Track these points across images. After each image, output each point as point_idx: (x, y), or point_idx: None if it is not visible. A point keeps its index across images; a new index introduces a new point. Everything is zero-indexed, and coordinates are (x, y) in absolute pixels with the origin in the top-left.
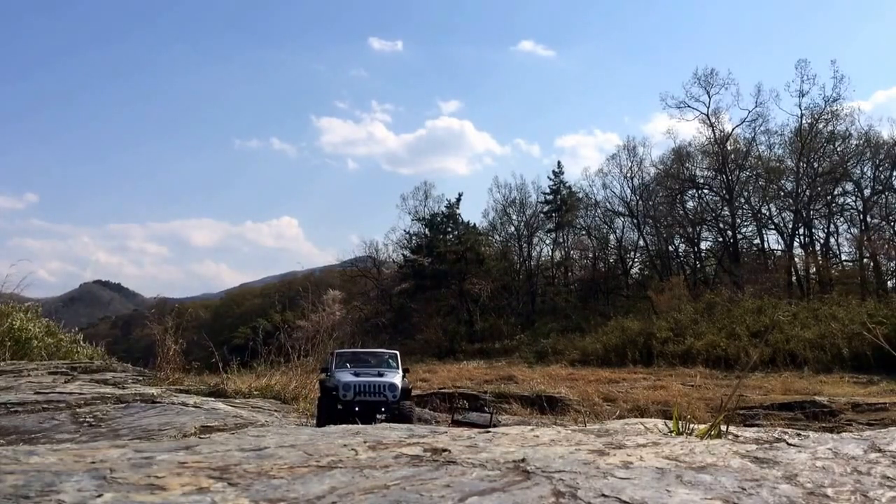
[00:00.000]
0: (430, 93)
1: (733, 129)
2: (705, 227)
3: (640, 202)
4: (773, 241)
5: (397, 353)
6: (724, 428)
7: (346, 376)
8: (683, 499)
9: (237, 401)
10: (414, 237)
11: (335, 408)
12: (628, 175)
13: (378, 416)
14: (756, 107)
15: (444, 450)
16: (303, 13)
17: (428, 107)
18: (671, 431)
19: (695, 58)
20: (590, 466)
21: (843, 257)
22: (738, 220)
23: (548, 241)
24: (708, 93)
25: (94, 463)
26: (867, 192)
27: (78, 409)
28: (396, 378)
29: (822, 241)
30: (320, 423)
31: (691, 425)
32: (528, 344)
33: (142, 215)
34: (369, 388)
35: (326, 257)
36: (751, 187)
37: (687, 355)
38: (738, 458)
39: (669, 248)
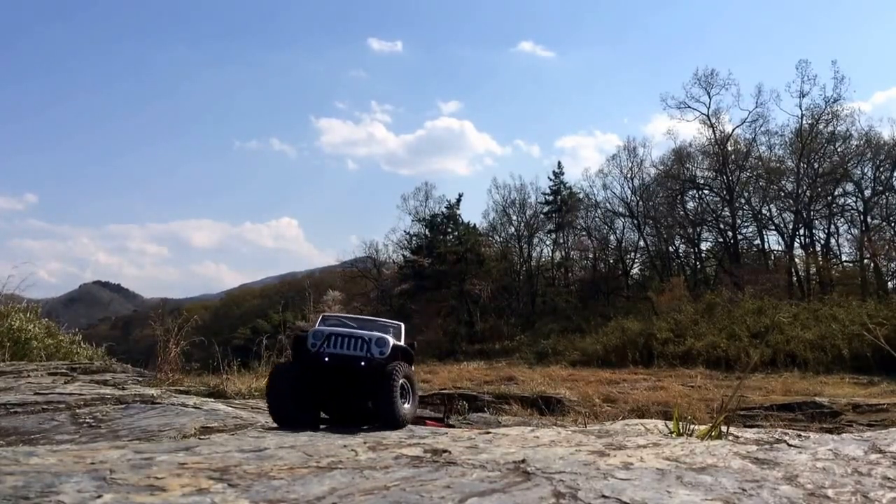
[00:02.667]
0: (429, 93)
1: (734, 130)
2: (706, 227)
3: (641, 203)
4: (773, 241)
5: (402, 325)
6: (724, 429)
7: (321, 327)
8: (684, 500)
9: (237, 402)
10: (414, 238)
11: (299, 367)
12: (628, 176)
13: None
14: (756, 107)
15: (445, 451)
16: (302, 14)
17: (428, 107)
18: (671, 432)
19: (695, 58)
20: (590, 467)
21: (844, 258)
22: (739, 221)
23: (548, 242)
24: (708, 93)
25: (93, 464)
26: (868, 192)
27: (78, 410)
28: (391, 337)
29: (822, 241)
30: (271, 395)
31: (692, 426)
32: (528, 345)
33: (141, 216)
34: (346, 337)
35: (326, 258)
36: (751, 188)
37: (687, 356)
38: (739, 459)
39: (670, 248)
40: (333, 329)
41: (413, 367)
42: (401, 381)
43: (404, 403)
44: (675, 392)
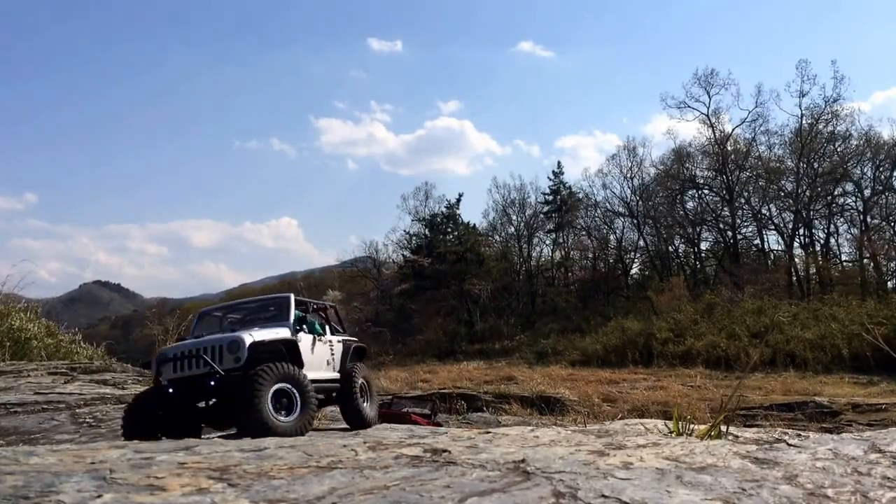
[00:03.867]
0: (429, 93)
1: (733, 130)
2: (705, 227)
3: (640, 202)
4: (773, 241)
5: (291, 296)
6: (724, 428)
7: (165, 348)
8: (683, 499)
9: None
10: (414, 237)
11: (150, 399)
12: (628, 175)
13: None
14: (756, 107)
15: (444, 450)
16: (301, 14)
17: (428, 107)
18: (671, 432)
19: (695, 58)
20: (590, 467)
21: (844, 258)
22: (739, 221)
23: (548, 242)
24: (708, 93)
25: (93, 463)
26: (867, 192)
27: (77, 410)
28: (263, 331)
29: (822, 241)
30: (124, 427)
31: (691, 426)
32: (528, 344)
33: (141, 216)
34: (189, 358)
35: (326, 258)
36: (751, 188)
37: (687, 356)
38: (739, 459)
39: (669, 248)
40: (176, 347)
41: (315, 343)
42: (273, 386)
43: (286, 415)
44: (675, 392)
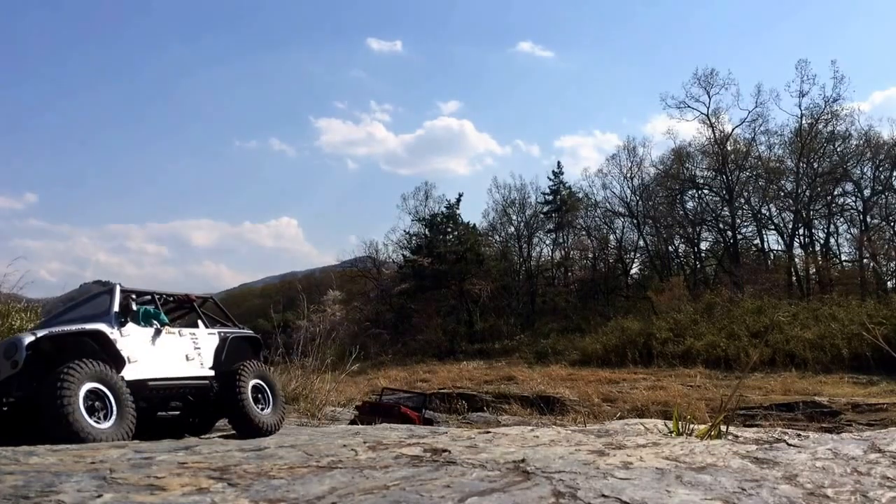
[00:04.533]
0: (429, 93)
1: (733, 130)
2: (705, 227)
3: (640, 202)
4: (773, 241)
5: (118, 285)
6: (723, 428)
7: None
8: (683, 499)
9: None
10: (414, 237)
11: None
12: (628, 175)
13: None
14: (756, 107)
15: (444, 450)
16: (300, 14)
17: (427, 107)
18: (671, 432)
19: (695, 58)
20: (590, 467)
21: (843, 258)
22: (738, 221)
23: (548, 242)
24: (708, 93)
25: (93, 463)
26: (867, 192)
27: None
28: (59, 328)
29: (822, 241)
30: None
31: (691, 426)
32: (527, 344)
33: (141, 216)
34: None
35: (326, 258)
36: (751, 187)
37: (687, 356)
38: (738, 459)
39: (669, 248)
40: None
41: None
42: (84, 386)
43: (98, 421)
44: (675, 392)
